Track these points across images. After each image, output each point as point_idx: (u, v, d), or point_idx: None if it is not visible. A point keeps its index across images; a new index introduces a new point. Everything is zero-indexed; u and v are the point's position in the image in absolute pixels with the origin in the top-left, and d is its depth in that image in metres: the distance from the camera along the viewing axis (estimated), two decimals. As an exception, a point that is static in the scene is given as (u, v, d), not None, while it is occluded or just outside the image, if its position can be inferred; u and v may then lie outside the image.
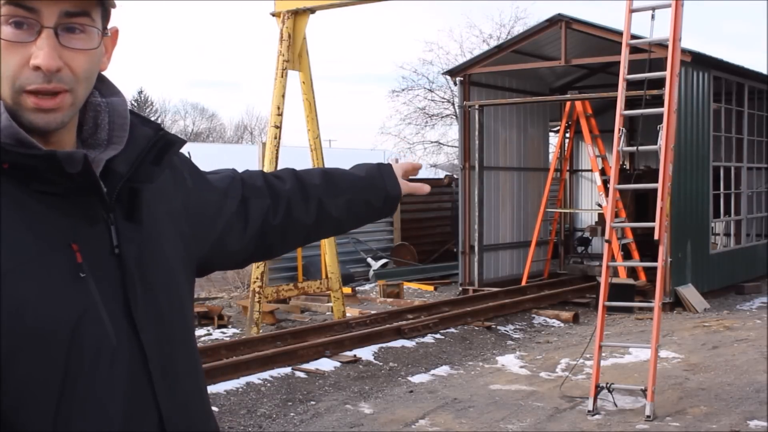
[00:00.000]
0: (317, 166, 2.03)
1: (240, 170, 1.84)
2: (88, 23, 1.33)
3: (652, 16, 7.57)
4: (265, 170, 1.92)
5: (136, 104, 65.04)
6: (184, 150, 1.66)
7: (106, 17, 1.38)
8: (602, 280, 7.48)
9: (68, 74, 1.30)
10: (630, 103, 9.71)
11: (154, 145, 1.41)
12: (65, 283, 1.27)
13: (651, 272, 13.14)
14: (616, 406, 7.30)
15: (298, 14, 11.62)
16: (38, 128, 1.30)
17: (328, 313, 12.96)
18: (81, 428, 1.27)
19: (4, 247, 1.23)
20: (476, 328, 11.06)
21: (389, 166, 2.05)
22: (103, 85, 1.44)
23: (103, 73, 1.44)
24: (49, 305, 1.25)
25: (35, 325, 1.23)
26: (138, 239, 1.39)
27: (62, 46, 1.30)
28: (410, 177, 2.12)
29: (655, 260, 7.45)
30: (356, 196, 1.95)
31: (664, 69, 7.52)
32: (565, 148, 16.46)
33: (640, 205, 15.79)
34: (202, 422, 1.49)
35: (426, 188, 2.15)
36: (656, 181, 7.37)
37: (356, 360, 9.11)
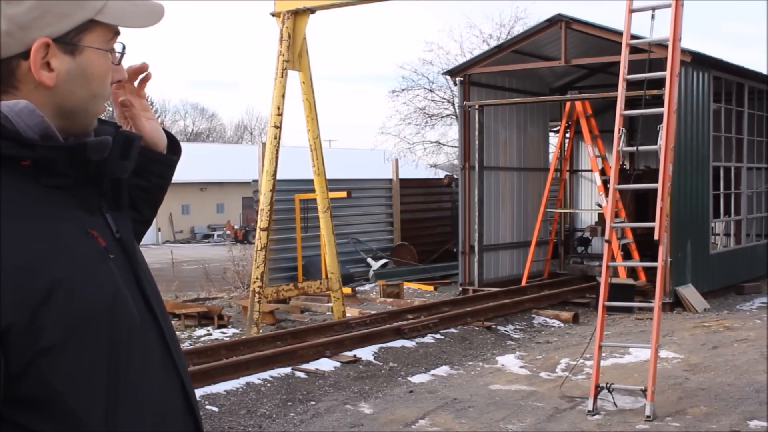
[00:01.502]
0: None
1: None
2: None
3: (652, 16, 7.57)
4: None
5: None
6: None
7: None
8: (602, 280, 7.48)
9: None
10: (630, 103, 9.70)
11: (118, 141, 1.50)
12: (98, 266, 1.37)
13: (651, 272, 13.14)
14: (616, 406, 7.30)
15: (298, 14, 11.62)
16: (88, 133, 1.47)
17: (328, 313, 12.96)
18: (129, 401, 1.36)
19: (43, 238, 1.30)
20: (476, 328, 11.06)
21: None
22: None
23: None
24: (92, 286, 1.34)
25: (83, 306, 1.31)
26: (126, 225, 1.53)
27: None
28: None
29: (655, 260, 7.45)
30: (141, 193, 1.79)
31: (664, 69, 7.51)
32: (565, 148, 16.46)
33: (640, 205, 15.79)
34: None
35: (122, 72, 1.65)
36: (656, 181, 7.37)
37: (356, 360, 9.11)
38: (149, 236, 38.63)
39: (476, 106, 14.84)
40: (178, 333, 11.48)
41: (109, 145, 1.42)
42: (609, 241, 7.72)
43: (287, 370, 8.54)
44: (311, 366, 8.75)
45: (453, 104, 26.32)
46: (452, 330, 10.78)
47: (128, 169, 1.53)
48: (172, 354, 1.49)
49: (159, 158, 1.80)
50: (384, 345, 9.76)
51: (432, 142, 29.80)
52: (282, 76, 11.51)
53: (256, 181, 15.50)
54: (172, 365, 1.48)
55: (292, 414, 7.47)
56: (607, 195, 11.68)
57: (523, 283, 14.89)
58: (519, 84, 16.42)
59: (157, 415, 1.41)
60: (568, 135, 16.29)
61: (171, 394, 1.47)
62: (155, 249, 34.45)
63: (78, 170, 1.39)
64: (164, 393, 1.44)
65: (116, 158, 1.48)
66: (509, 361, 9.49)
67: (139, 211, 1.81)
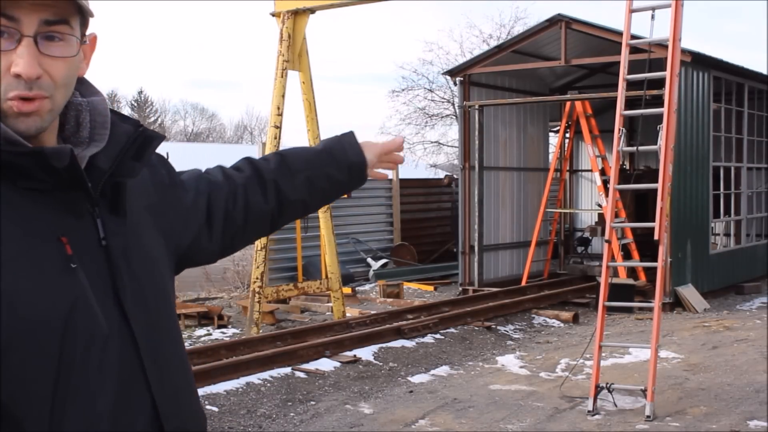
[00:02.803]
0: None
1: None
2: (66, 31, 1.36)
3: (652, 16, 7.57)
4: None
5: (136, 104, 65.02)
6: (162, 151, 1.72)
7: (84, 24, 1.41)
8: (602, 280, 7.48)
9: (48, 81, 1.34)
10: (630, 103, 9.70)
11: (135, 141, 1.45)
12: (56, 275, 1.31)
13: (651, 272, 13.14)
14: (616, 406, 7.30)
15: (298, 14, 11.62)
16: (19, 132, 1.33)
17: (328, 313, 12.96)
18: (76, 413, 1.31)
19: None
20: (476, 328, 11.06)
21: (351, 134, 2.02)
22: (83, 86, 1.48)
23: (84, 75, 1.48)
24: (42, 296, 1.29)
25: (28, 316, 1.27)
26: (123, 231, 1.44)
27: (42, 54, 1.33)
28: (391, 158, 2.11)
29: (655, 260, 7.45)
30: (315, 172, 1.91)
31: (664, 69, 7.51)
32: (565, 148, 16.46)
33: (640, 205, 15.79)
34: (192, 415, 1.52)
35: (398, 159, 2.14)
36: (656, 181, 7.37)
37: (356, 360, 9.11)
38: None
39: (476, 106, 14.84)
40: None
41: (68, 155, 1.32)
42: (609, 241, 7.72)
43: (287, 370, 8.54)
44: (311, 366, 8.75)
45: (453, 104, 26.33)
46: (452, 330, 10.78)
47: (136, 172, 1.46)
48: (144, 369, 1.39)
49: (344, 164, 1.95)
50: (384, 345, 9.76)
51: (432, 142, 29.83)
52: (282, 76, 11.51)
53: (256, 181, 15.47)
54: (143, 380, 1.39)
55: (292, 414, 7.47)
56: (607, 195, 11.68)
57: (523, 283, 14.88)
58: (519, 84, 16.42)
59: (109, 428, 1.34)
60: (568, 135, 16.29)
61: (129, 410, 1.37)
62: (155, 249, 34.42)
63: (51, 175, 1.33)
64: (120, 409, 1.35)
65: (127, 159, 1.43)
66: (509, 361, 9.49)
67: (304, 201, 1.91)
